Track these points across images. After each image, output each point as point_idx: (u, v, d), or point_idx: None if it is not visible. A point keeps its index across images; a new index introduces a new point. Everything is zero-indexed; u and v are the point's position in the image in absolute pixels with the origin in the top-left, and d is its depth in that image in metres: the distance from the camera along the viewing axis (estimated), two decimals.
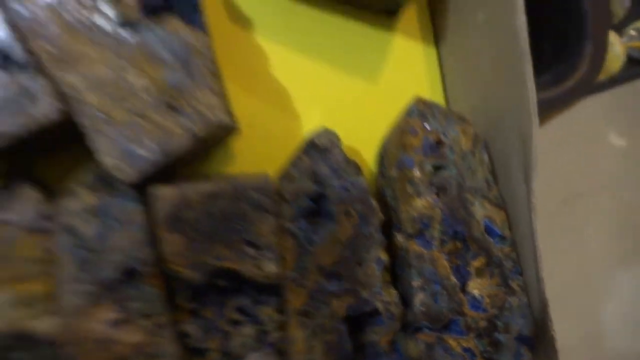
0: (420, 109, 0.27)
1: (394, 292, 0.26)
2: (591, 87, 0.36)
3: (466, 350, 0.25)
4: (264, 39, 0.30)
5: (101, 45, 0.23)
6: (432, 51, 0.32)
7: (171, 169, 0.25)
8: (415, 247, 0.26)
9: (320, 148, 0.27)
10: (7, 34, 0.24)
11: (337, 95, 0.31)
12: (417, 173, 0.26)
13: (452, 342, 0.25)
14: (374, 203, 0.26)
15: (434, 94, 0.32)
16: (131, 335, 0.24)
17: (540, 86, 0.35)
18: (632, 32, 0.44)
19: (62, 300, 0.24)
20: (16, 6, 0.23)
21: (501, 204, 0.27)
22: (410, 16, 0.32)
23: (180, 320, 0.25)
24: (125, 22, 0.24)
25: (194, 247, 0.24)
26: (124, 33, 0.24)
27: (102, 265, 0.24)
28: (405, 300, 0.26)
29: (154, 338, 0.25)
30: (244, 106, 0.30)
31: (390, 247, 0.27)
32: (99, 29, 0.23)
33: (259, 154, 0.30)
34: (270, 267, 0.25)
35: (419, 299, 0.25)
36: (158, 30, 0.24)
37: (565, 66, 0.35)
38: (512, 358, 0.25)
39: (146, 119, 0.23)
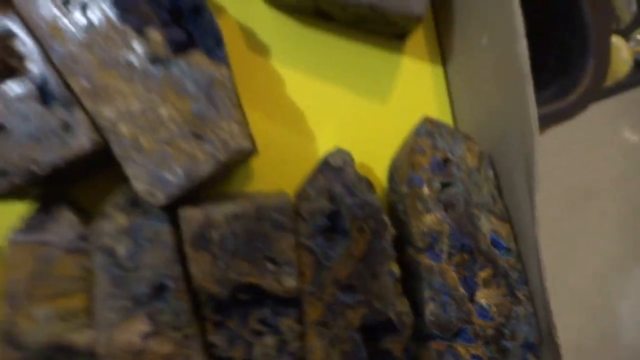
0: (428, 129, 0.29)
1: (406, 302, 0.28)
2: (594, 99, 0.37)
3: (475, 357, 0.26)
4: (280, 64, 0.32)
5: (132, 80, 0.25)
6: (439, 72, 0.34)
7: (196, 190, 0.27)
8: (425, 260, 0.27)
9: (334, 167, 0.28)
10: (46, 71, 0.26)
11: (349, 115, 0.33)
12: (426, 190, 0.28)
13: (461, 350, 0.27)
14: (386, 219, 0.27)
15: (441, 112, 0.33)
16: (162, 347, 0.26)
17: (544, 99, 0.36)
18: (639, 37, 0.45)
19: (98, 315, 0.26)
20: (54, 45, 0.26)
21: (506, 218, 0.28)
22: (418, 39, 0.33)
23: (206, 332, 0.27)
24: (154, 58, 0.26)
25: (219, 264, 0.26)
26: (152, 68, 0.26)
27: (135, 281, 0.26)
28: (417, 310, 0.28)
29: (183, 349, 0.27)
30: (262, 128, 0.32)
31: (402, 260, 0.29)
32: (130, 65, 0.25)
33: (277, 172, 0.32)
34: (290, 282, 0.27)
35: (430, 309, 0.27)
36: (183, 64, 0.26)
37: (569, 80, 0.36)
38: None
39: (174, 146, 0.25)
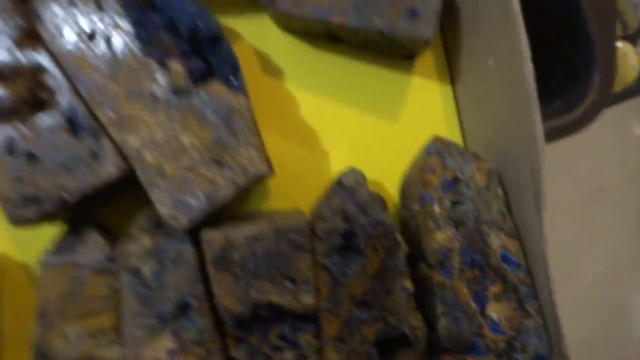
0: (438, 148, 0.30)
1: (419, 317, 0.29)
2: (600, 112, 0.38)
3: None
4: (293, 86, 0.34)
5: (155, 110, 0.27)
6: (448, 91, 0.35)
7: (217, 213, 0.29)
8: (437, 276, 0.28)
9: (348, 187, 0.30)
10: (75, 103, 0.27)
11: (361, 134, 0.34)
12: (437, 209, 0.29)
13: None
14: (399, 237, 0.29)
15: (450, 130, 0.34)
16: None
17: (551, 113, 0.37)
18: None
19: (126, 332, 0.28)
20: (81, 78, 0.27)
21: (515, 234, 0.29)
22: (427, 60, 0.34)
23: (228, 347, 0.29)
24: (175, 89, 0.27)
25: (240, 283, 0.27)
26: (174, 98, 0.27)
27: (160, 300, 0.28)
28: (430, 324, 0.29)
29: None
30: (277, 148, 0.33)
31: (415, 275, 0.30)
32: (153, 95, 0.27)
33: (292, 190, 0.33)
34: (308, 299, 0.28)
35: (442, 324, 0.28)
36: (203, 94, 0.27)
37: (575, 94, 0.37)
38: None
39: (195, 173, 0.27)
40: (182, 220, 0.27)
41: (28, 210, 0.27)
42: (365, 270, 0.28)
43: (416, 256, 0.30)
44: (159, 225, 0.29)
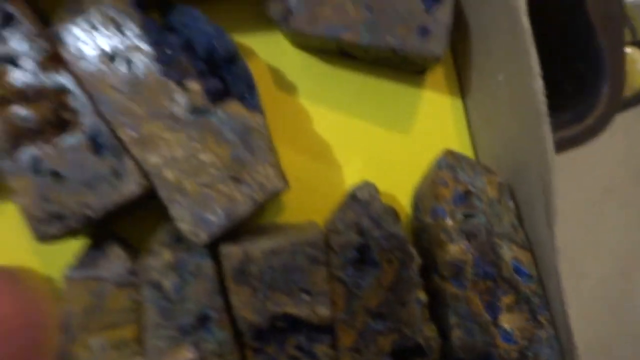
0: (449, 162, 0.31)
1: (433, 327, 0.29)
2: (610, 122, 0.38)
3: None
4: (307, 101, 0.34)
5: (175, 129, 0.28)
6: (458, 104, 0.35)
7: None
8: (450, 288, 0.29)
9: (362, 201, 0.30)
10: (97, 123, 0.28)
11: (374, 148, 0.35)
12: (449, 222, 0.29)
13: None
14: (412, 250, 0.29)
15: (461, 143, 0.35)
16: None
17: (561, 125, 0.38)
18: None
19: (148, 344, 0.29)
20: (103, 99, 0.28)
21: (527, 246, 0.30)
22: (437, 75, 0.35)
23: (247, 358, 0.29)
24: (194, 108, 0.28)
25: (258, 296, 0.28)
26: (193, 118, 0.28)
27: (181, 313, 0.28)
28: (444, 335, 0.30)
29: None
30: (292, 162, 0.34)
31: (429, 286, 0.30)
32: (173, 115, 0.28)
33: (306, 203, 0.34)
34: (324, 311, 0.28)
35: (456, 334, 0.28)
36: (221, 114, 0.28)
37: (584, 105, 0.37)
38: None
39: (214, 189, 0.28)
40: (202, 236, 0.27)
41: (53, 227, 0.28)
42: (379, 282, 0.29)
43: (429, 268, 0.31)
44: (178, 239, 0.30)
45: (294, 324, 0.29)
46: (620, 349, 0.41)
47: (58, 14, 0.29)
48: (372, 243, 0.29)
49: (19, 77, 0.28)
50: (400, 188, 0.35)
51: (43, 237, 0.28)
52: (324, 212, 0.33)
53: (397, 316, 0.29)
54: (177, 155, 0.28)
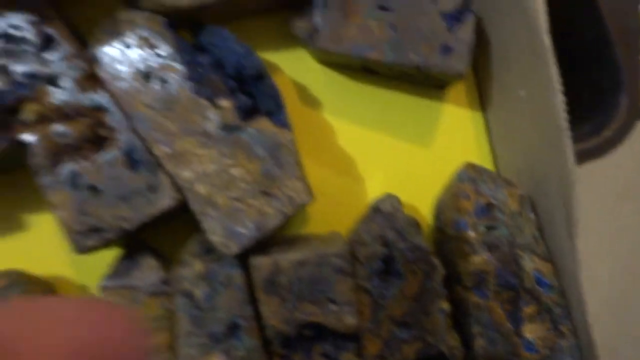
0: (470, 175, 0.32)
1: (456, 336, 0.30)
2: (629, 133, 0.39)
3: None
4: (331, 115, 0.36)
5: (207, 145, 0.29)
6: (479, 119, 0.36)
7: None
8: (473, 298, 0.30)
9: (385, 213, 0.31)
10: (132, 139, 0.29)
11: (395, 161, 0.36)
12: (471, 234, 0.30)
13: None
14: (435, 261, 0.30)
15: (481, 157, 0.36)
16: None
17: (580, 137, 0.38)
18: None
19: (180, 351, 0.30)
20: (138, 116, 0.29)
21: (548, 257, 0.31)
22: (458, 90, 0.36)
23: None
24: (225, 125, 0.29)
25: (287, 305, 0.29)
26: (224, 134, 0.29)
27: (211, 321, 0.30)
28: (467, 344, 0.30)
29: None
30: (316, 175, 0.34)
31: (452, 296, 0.31)
32: (205, 132, 0.29)
33: (329, 215, 0.35)
34: (350, 320, 0.29)
35: (478, 344, 0.29)
36: (251, 130, 0.29)
37: (603, 118, 0.38)
38: None
39: (245, 203, 0.29)
40: (233, 248, 0.29)
41: (91, 239, 0.29)
42: (404, 292, 0.30)
43: (452, 278, 0.31)
44: (208, 251, 0.31)
45: (320, 332, 0.30)
46: (631, 354, 0.41)
47: (95, 36, 0.30)
48: (397, 254, 0.30)
49: (58, 96, 0.30)
50: (421, 200, 0.35)
51: (81, 249, 0.29)
52: (347, 223, 0.34)
53: (422, 325, 0.30)
54: (209, 170, 0.29)
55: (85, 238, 0.29)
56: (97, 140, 0.30)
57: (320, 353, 0.30)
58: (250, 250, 0.30)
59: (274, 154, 0.29)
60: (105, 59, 0.30)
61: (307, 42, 0.32)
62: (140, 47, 0.30)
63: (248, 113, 0.30)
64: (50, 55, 0.30)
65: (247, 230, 0.29)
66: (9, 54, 0.30)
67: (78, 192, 0.29)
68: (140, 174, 0.29)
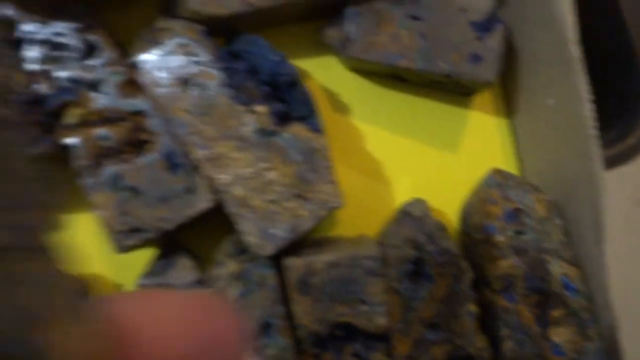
0: (497, 180, 0.32)
1: (485, 339, 0.31)
2: None
3: None
4: (360, 121, 0.36)
5: (243, 149, 0.30)
6: (505, 126, 0.37)
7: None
8: (501, 301, 0.30)
9: (415, 217, 0.32)
10: (171, 143, 0.31)
11: (423, 166, 0.36)
12: (500, 238, 0.31)
13: None
14: (464, 264, 0.31)
15: (508, 163, 0.37)
16: None
17: (606, 144, 0.39)
18: None
19: None
20: (177, 121, 0.30)
21: (575, 262, 0.31)
22: (486, 97, 0.37)
23: None
24: (261, 130, 0.30)
25: (319, 306, 0.30)
26: (260, 139, 0.30)
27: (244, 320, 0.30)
28: (495, 346, 0.31)
29: None
30: (345, 179, 0.35)
31: (480, 299, 0.32)
32: (242, 136, 0.30)
33: (358, 218, 0.36)
34: (380, 321, 0.30)
35: (507, 346, 0.30)
36: (287, 135, 0.30)
37: (627, 124, 0.38)
38: None
39: (280, 206, 0.30)
40: (268, 249, 0.29)
41: (131, 239, 0.30)
42: (433, 295, 0.31)
43: (480, 281, 0.32)
44: (242, 251, 0.32)
45: (351, 332, 0.31)
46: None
47: (135, 44, 0.32)
48: (426, 257, 0.31)
49: (100, 101, 0.31)
50: (447, 204, 0.36)
51: (122, 248, 0.30)
52: (374, 226, 0.35)
53: (450, 327, 0.30)
54: (245, 173, 0.30)
55: (126, 238, 0.30)
56: (137, 143, 0.31)
57: (351, 353, 0.31)
58: (282, 252, 0.31)
59: (309, 158, 0.30)
60: (146, 66, 0.31)
61: (339, 50, 0.33)
62: (179, 54, 0.31)
63: (282, 119, 0.30)
64: (93, 62, 0.31)
65: (281, 232, 0.29)
66: (54, 60, 0.31)
67: (119, 193, 0.30)
68: (179, 176, 0.30)
